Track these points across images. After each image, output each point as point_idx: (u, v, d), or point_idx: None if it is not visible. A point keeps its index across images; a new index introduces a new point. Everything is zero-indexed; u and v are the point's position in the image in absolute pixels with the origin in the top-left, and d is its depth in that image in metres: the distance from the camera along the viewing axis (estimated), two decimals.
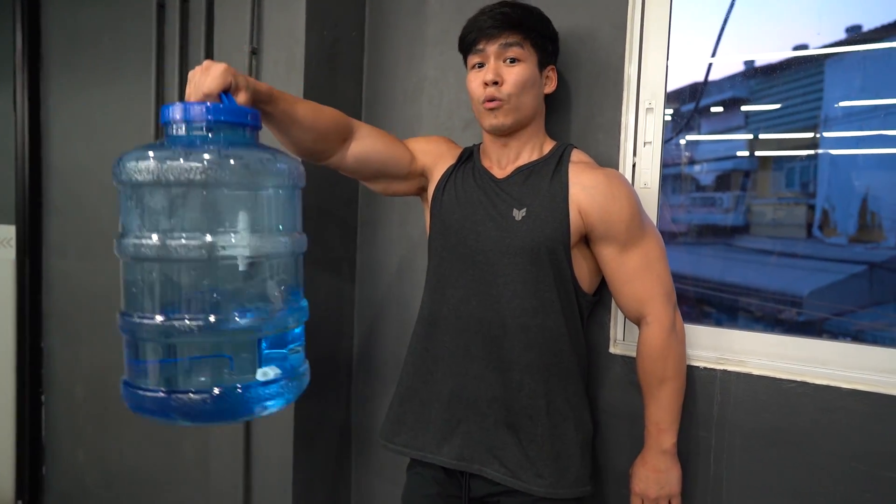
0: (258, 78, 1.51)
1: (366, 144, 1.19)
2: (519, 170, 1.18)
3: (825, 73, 1.81)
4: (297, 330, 0.98)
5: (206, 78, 0.89)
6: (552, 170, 1.15)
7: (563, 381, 1.14)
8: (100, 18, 2.19)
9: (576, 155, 1.18)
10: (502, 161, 1.21)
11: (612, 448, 1.31)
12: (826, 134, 1.99)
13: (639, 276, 1.12)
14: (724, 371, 1.20)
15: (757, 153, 2.32)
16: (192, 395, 0.82)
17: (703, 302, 2.36)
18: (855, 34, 1.43)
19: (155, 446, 2.13)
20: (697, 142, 2.23)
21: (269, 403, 0.88)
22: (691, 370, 1.22)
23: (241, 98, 0.92)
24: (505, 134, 1.18)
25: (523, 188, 1.15)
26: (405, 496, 1.27)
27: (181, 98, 1.93)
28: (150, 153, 0.83)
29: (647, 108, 1.28)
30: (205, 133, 0.87)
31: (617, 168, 1.29)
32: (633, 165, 1.30)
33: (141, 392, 0.85)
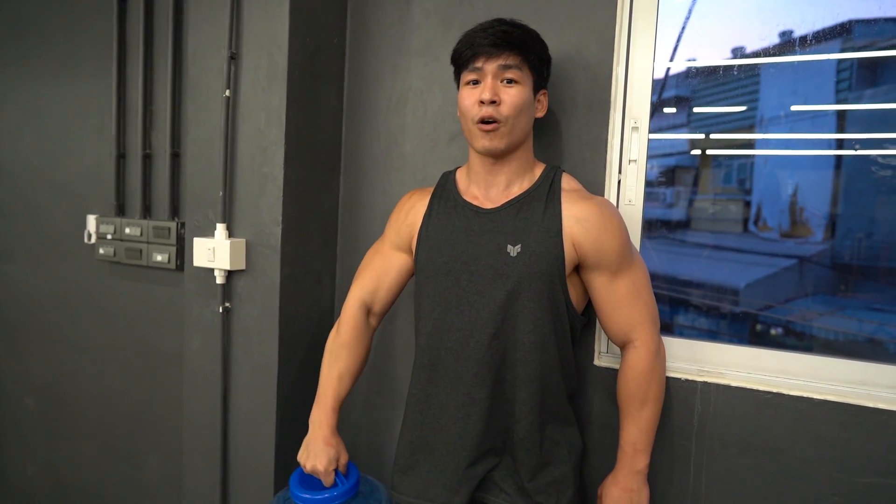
0: (237, 85, 1.46)
1: (380, 303, 1.33)
2: (510, 202, 1.16)
3: (761, 76, 1.87)
4: None
5: (319, 475, 1.19)
6: (544, 200, 1.14)
7: (556, 409, 1.17)
8: (52, 11, 2.07)
9: (566, 182, 1.19)
10: (491, 188, 1.19)
11: (595, 458, 1.34)
12: (761, 135, 2.10)
13: (627, 303, 1.15)
14: (705, 383, 1.25)
15: (697, 151, 2.43)
16: None
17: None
18: (787, 39, 1.49)
19: (116, 462, 2.04)
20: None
21: None
22: (673, 382, 1.27)
23: (343, 461, 1.22)
24: (495, 157, 1.16)
25: (516, 222, 1.14)
26: None
27: (145, 100, 1.85)
28: None
29: (633, 127, 1.31)
30: None
31: (603, 185, 1.32)
32: (619, 182, 1.33)
33: None
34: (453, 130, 1.47)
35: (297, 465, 1.53)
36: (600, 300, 1.17)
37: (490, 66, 1.11)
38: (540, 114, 1.21)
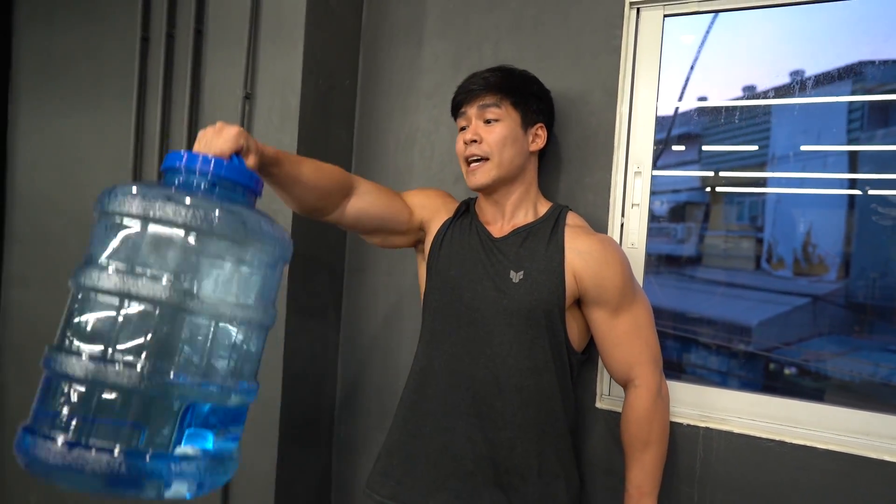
0: (251, 124, 1.51)
1: (365, 201, 1.20)
2: (516, 231, 1.20)
3: (772, 115, 1.90)
4: (237, 411, 0.87)
5: (218, 138, 0.89)
6: (549, 233, 1.18)
7: (554, 440, 1.17)
8: (76, 47, 2.15)
9: (571, 218, 1.22)
10: (497, 219, 1.24)
11: (593, 501, 1.33)
12: (773, 173, 2.11)
13: (628, 340, 1.15)
14: (707, 428, 1.25)
15: (709, 188, 2.42)
16: (94, 451, 0.74)
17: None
18: (797, 79, 1.51)
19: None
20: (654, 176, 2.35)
21: (177, 483, 0.78)
22: (675, 427, 1.26)
23: (251, 161, 0.92)
24: (491, 191, 1.22)
25: (521, 250, 1.18)
26: None
27: (162, 134, 1.90)
28: (147, 189, 0.81)
29: (636, 172, 1.34)
30: (206, 186, 0.86)
31: (606, 228, 1.34)
32: (622, 226, 1.35)
33: (40, 440, 0.76)
34: (459, 171, 1.49)
35: (292, 480, 1.53)
36: (601, 336, 1.18)
37: (472, 110, 1.20)
38: (536, 147, 1.23)
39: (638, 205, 1.34)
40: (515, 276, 1.15)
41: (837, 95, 1.60)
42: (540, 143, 1.24)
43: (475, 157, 1.19)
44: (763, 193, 2.35)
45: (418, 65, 1.56)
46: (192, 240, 0.81)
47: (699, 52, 1.59)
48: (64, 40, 2.19)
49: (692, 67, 1.65)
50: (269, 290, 0.92)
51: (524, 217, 1.23)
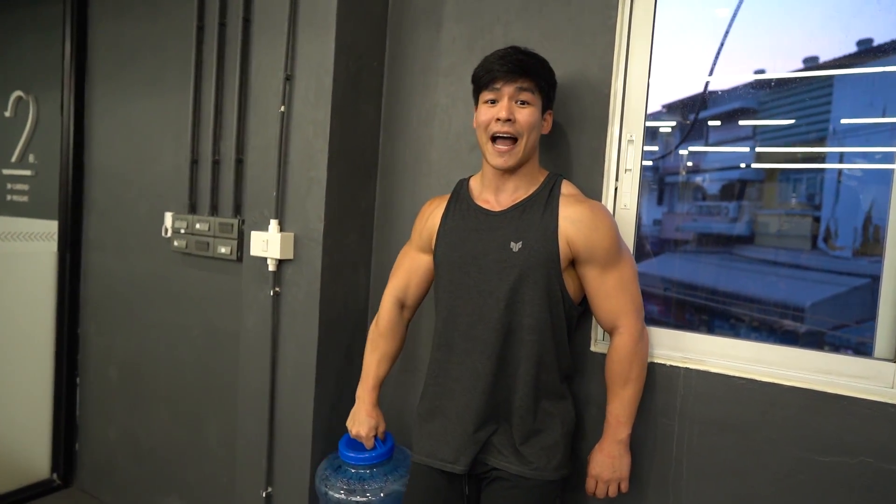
0: (290, 101, 1.72)
1: (412, 299, 1.56)
2: (516, 205, 1.35)
3: (834, 88, 1.86)
4: None
5: (361, 439, 1.51)
6: (544, 203, 1.33)
7: (550, 385, 1.35)
8: (143, 36, 2.42)
9: (565, 187, 1.37)
10: (501, 193, 1.38)
11: (592, 432, 1.51)
12: (833, 148, 2.03)
13: (615, 294, 1.32)
14: (687, 368, 1.40)
15: (762, 165, 2.35)
16: None
17: (703, 311, 2.42)
18: (866, 48, 1.46)
19: (181, 426, 2.34)
20: (703, 152, 2.31)
21: None
22: (660, 367, 1.42)
23: (381, 429, 1.54)
24: (507, 172, 1.35)
25: (519, 223, 1.33)
26: (412, 466, 1.48)
27: (216, 114, 2.15)
28: (336, 488, 1.52)
29: (629, 140, 1.48)
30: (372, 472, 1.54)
31: (601, 191, 1.49)
32: (615, 189, 1.50)
33: None
34: (473, 142, 1.67)
35: (339, 428, 1.77)
36: (591, 291, 1.34)
37: (508, 89, 1.29)
38: (545, 131, 1.39)
39: (630, 170, 1.48)
40: (515, 246, 1.31)
41: None
42: (547, 128, 1.39)
43: (506, 135, 1.29)
44: (821, 170, 2.26)
45: (437, 46, 1.73)
46: None
47: (731, 25, 1.66)
48: (132, 33, 2.46)
49: (723, 41, 1.72)
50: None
51: (525, 191, 1.36)
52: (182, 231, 2.22)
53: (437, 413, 1.40)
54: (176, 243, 2.24)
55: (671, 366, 1.42)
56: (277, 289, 1.76)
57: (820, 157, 2.15)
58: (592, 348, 1.52)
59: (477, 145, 1.65)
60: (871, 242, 2.25)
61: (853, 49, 1.48)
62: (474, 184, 1.45)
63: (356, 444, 1.53)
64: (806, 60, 1.62)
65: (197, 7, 2.17)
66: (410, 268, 1.53)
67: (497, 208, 1.37)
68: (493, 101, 1.32)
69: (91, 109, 2.61)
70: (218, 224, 2.10)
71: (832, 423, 1.25)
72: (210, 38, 2.16)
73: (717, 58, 1.79)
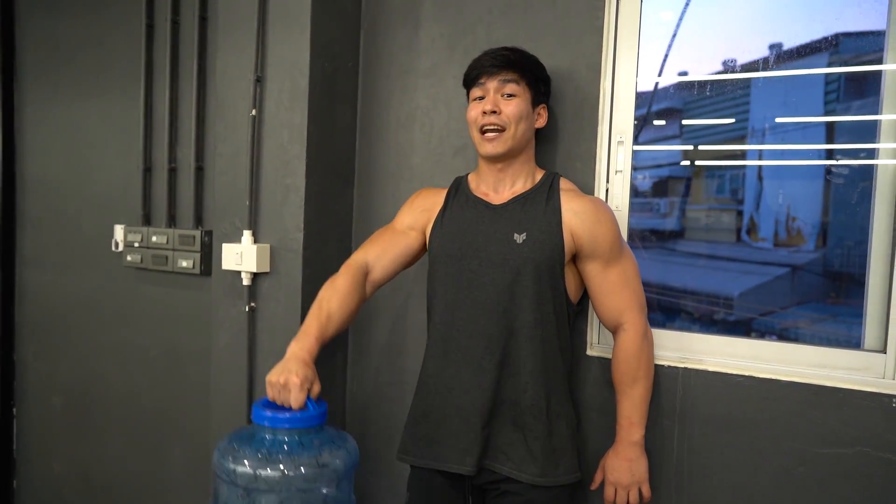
0: (262, 105, 1.62)
1: (378, 270, 1.39)
2: (516, 198, 1.33)
3: (751, 89, 1.96)
4: None
5: (288, 395, 1.13)
6: (545, 197, 1.32)
7: (556, 383, 1.32)
8: (81, 34, 2.23)
9: (563, 183, 1.36)
10: (499, 187, 1.36)
11: (588, 437, 1.49)
12: (752, 146, 2.18)
13: (618, 289, 1.30)
14: (685, 368, 1.41)
15: (689, 162, 2.49)
16: None
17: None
18: (777, 52, 1.58)
19: (139, 457, 2.17)
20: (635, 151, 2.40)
21: None
22: (657, 368, 1.42)
23: (316, 389, 1.17)
24: (500, 160, 1.33)
25: (521, 214, 1.31)
26: (411, 480, 1.41)
27: (171, 118, 2.00)
28: (249, 461, 1.08)
29: (619, 142, 1.47)
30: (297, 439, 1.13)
31: (592, 193, 1.48)
32: (606, 191, 1.49)
33: None
34: (457, 145, 1.62)
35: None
36: (594, 287, 1.32)
37: (492, 83, 1.31)
38: (539, 125, 1.38)
39: (621, 171, 1.48)
40: (518, 238, 1.28)
41: (814, 67, 1.66)
42: (542, 122, 1.38)
43: (493, 127, 1.29)
44: (743, 166, 2.42)
45: (416, 47, 1.67)
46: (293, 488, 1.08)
47: (677, 28, 1.70)
48: (68, 28, 2.26)
49: (670, 43, 1.76)
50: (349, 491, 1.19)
51: (523, 185, 1.35)
52: (136, 245, 2.06)
53: (435, 413, 1.34)
54: (129, 258, 2.07)
55: (669, 366, 1.42)
56: (253, 304, 1.65)
57: (741, 155, 2.27)
58: (589, 352, 1.50)
59: (461, 149, 1.62)
60: (790, 234, 2.39)
61: (766, 54, 1.60)
62: (472, 179, 1.43)
63: (278, 407, 1.15)
64: (725, 63, 1.71)
65: (145, 4, 2.02)
66: (391, 240, 1.43)
67: (497, 201, 1.35)
68: (481, 98, 1.33)
69: (22, 114, 2.39)
70: (178, 236, 1.96)
71: (830, 416, 1.28)
72: (162, 36, 2.01)
73: (665, 59, 1.84)
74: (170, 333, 2.07)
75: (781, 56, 1.58)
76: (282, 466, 1.07)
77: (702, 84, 1.68)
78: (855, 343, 1.35)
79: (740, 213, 2.55)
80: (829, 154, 1.93)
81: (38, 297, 2.41)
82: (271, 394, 1.14)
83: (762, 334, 2.47)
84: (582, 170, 1.49)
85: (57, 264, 2.34)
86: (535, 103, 1.35)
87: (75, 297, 2.29)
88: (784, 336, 2.39)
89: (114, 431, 2.23)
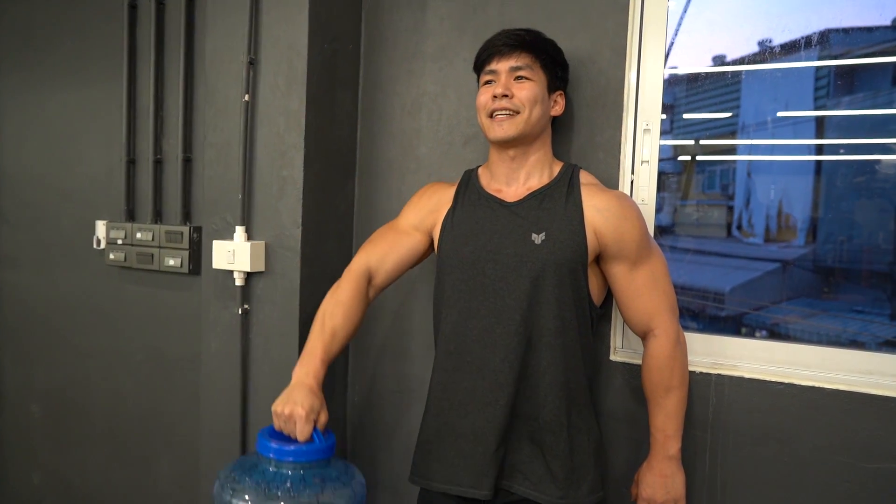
0: (256, 90, 1.49)
1: (382, 274, 1.30)
2: (532, 194, 1.21)
3: (742, 84, 1.93)
4: None
5: (294, 427, 1.07)
6: (565, 193, 1.20)
7: (578, 395, 1.20)
8: (59, 20, 2.08)
9: (584, 177, 1.24)
10: (512, 181, 1.24)
11: (613, 450, 1.38)
12: (743, 141, 2.13)
13: (647, 292, 1.19)
14: (719, 375, 1.30)
15: (680, 158, 2.46)
16: None
17: None
18: (766, 47, 1.54)
19: (124, 466, 2.04)
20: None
21: None
22: (690, 375, 1.31)
23: (323, 418, 1.10)
24: (510, 146, 1.22)
25: (539, 212, 1.19)
26: (421, 502, 1.30)
27: (157, 106, 1.87)
28: (249, 495, 1.03)
29: (645, 129, 1.36)
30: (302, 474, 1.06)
31: (616, 185, 1.37)
32: (632, 183, 1.37)
33: None
34: (468, 133, 1.50)
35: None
36: (620, 290, 1.21)
37: (503, 66, 1.20)
38: (556, 112, 1.26)
39: (647, 161, 1.36)
40: (537, 238, 1.17)
41: (805, 62, 1.63)
42: (559, 109, 1.27)
43: (505, 111, 1.18)
44: (734, 161, 2.40)
45: (423, 28, 1.55)
46: None
47: (681, 20, 1.61)
48: (45, 13, 2.12)
49: (674, 38, 1.67)
50: None
51: (539, 180, 1.23)
52: (119, 242, 1.92)
53: (449, 432, 1.22)
54: (112, 256, 1.93)
55: (701, 373, 1.31)
56: (246, 306, 1.52)
57: (732, 150, 2.26)
58: (612, 357, 1.39)
59: (472, 137, 1.50)
60: (781, 229, 2.32)
61: (756, 49, 1.56)
62: (483, 174, 1.31)
63: (283, 439, 1.09)
64: (715, 58, 1.66)
65: None
66: (395, 240, 1.32)
67: (511, 198, 1.23)
68: (491, 81, 1.22)
69: None
70: (164, 233, 1.82)
71: (879, 428, 1.18)
72: (146, 18, 1.87)
73: (668, 52, 1.75)
74: (156, 337, 1.93)
75: (772, 51, 1.52)
76: None
77: (693, 78, 1.59)
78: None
79: (730, 209, 2.51)
80: (819, 149, 1.93)
81: (14, 298, 2.26)
82: (277, 424, 1.09)
83: (752, 329, 2.44)
84: (605, 160, 1.38)
85: (35, 263, 2.20)
86: (550, 89, 1.23)
87: (55, 299, 2.15)
88: (775, 331, 2.35)
89: (97, 441, 2.09)
